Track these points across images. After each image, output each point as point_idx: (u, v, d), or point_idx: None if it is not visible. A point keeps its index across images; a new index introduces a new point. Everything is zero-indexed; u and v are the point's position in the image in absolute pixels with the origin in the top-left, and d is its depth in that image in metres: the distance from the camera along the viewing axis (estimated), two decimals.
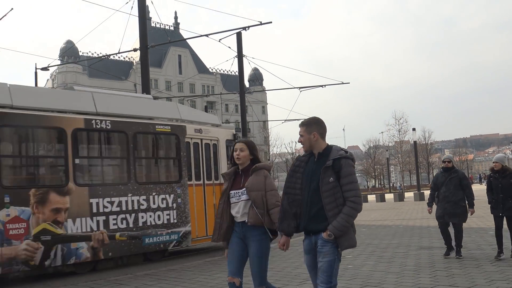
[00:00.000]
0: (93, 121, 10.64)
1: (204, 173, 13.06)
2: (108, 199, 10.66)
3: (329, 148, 4.31)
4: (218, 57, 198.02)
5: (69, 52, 68.91)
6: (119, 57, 75.66)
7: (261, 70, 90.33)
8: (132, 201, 11.11)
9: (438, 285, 7.00)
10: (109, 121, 10.90)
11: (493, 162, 9.19)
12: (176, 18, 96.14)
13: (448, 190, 9.30)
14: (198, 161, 12.90)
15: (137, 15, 16.32)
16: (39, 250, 9.45)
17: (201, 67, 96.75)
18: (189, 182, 12.49)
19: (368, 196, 50.39)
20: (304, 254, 4.33)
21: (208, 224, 12.84)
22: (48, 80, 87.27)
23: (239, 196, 4.91)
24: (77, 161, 10.38)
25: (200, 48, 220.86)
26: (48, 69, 31.24)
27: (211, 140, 13.39)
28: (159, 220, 11.59)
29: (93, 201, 10.40)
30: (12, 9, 25.56)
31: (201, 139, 13.06)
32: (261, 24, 18.49)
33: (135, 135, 11.38)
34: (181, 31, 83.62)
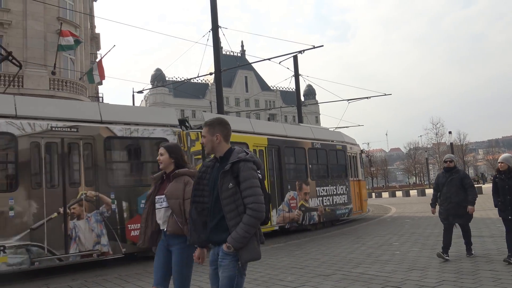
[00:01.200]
0: (314, 143, 15.67)
1: (354, 173, 17.91)
2: (323, 188, 15.46)
3: (230, 151, 3.37)
4: (277, 76, 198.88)
5: (158, 78, 71.53)
6: (197, 80, 77.60)
7: (314, 86, 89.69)
8: (331, 189, 15.88)
9: (479, 270, 6.62)
10: (320, 144, 15.88)
11: (499, 163, 7.34)
12: (242, 46, 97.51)
13: (450, 190, 7.74)
14: (351, 166, 17.65)
15: (212, 45, 16.66)
16: (300, 215, 14.30)
17: (263, 85, 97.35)
18: (350, 179, 17.29)
19: (410, 191, 48.88)
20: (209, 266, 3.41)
21: (361, 204, 18.10)
22: (142, 100, 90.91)
23: (161, 202, 4.06)
24: (310, 166, 15.10)
25: (263, 69, 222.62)
26: (142, 92, 32.59)
27: (355, 153, 18.28)
28: (340, 200, 16.36)
29: (318, 189, 15.27)
30: (114, 45, 26.94)
31: (351, 153, 17.78)
32: (314, 47, 18.35)
33: (330, 151, 16.25)
34: (246, 56, 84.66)
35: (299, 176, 14.83)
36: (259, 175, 3.27)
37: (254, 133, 13.47)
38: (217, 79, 16.99)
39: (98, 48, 45.17)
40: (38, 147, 9.09)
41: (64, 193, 9.16)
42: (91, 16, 38.04)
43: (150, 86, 67.03)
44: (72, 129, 9.52)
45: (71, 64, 27.67)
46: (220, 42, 18.33)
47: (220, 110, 16.57)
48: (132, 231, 9.87)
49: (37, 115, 9.27)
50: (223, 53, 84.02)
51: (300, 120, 25.63)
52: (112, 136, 10.09)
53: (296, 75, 23.78)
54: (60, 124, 9.43)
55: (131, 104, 33.53)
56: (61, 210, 9.05)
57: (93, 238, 9.30)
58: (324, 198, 15.49)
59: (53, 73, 25.48)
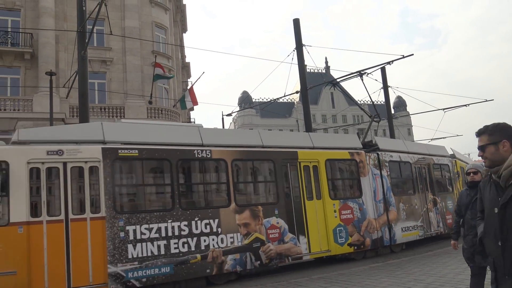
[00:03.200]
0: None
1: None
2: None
3: None
4: (364, 90, 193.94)
5: (245, 100, 73.72)
6: (283, 100, 78.56)
7: (404, 96, 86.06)
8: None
9: None
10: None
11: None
12: (326, 62, 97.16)
13: (475, 216, 4.45)
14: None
15: (297, 63, 16.81)
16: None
17: (350, 100, 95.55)
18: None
19: None
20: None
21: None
22: (230, 123, 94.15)
23: None
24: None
25: (349, 84, 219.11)
26: (231, 115, 33.62)
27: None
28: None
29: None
30: (203, 72, 28.36)
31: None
32: (403, 57, 17.64)
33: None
34: (331, 72, 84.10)
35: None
36: None
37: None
38: (304, 97, 17.04)
39: (189, 76, 47.89)
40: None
41: None
42: (181, 47, 40.59)
43: (238, 108, 69.20)
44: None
45: (165, 93, 29.63)
46: (304, 60, 18.40)
47: (308, 127, 16.55)
48: None
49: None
50: (308, 70, 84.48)
51: (392, 134, 24.65)
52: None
53: (385, 86, 23.05)
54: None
55: (221, 127, 34.77)
56: None
57: None
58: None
59: (150, 102, 27.49)
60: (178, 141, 9.99)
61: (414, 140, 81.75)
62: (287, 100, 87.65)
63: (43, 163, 8.48)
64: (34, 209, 8.25)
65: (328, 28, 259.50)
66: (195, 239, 9.52)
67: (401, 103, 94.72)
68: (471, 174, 5.36)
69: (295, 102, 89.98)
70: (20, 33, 25.71)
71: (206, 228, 9.71)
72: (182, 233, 9.38)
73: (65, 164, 8.63)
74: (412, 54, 16.89)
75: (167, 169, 9.69)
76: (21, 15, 26.25)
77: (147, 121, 27.15)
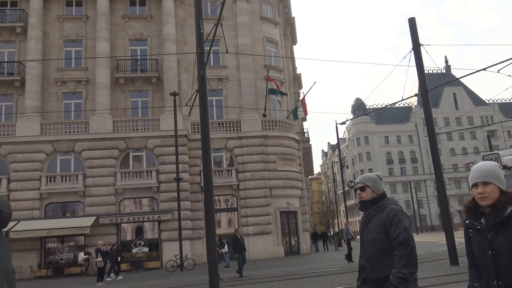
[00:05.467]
0: None
1: None
2: None
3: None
4: (493, 88, 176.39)
5: (359, 107, 71.87)
6: (399, 104, 74.82)
7: None
8: None
9: None
10: None
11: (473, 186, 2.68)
12: (446, 61, 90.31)
13: (365, 246, 3.45)
14: None
15: (415, 65, 15.87)
16: None
17: (476, 100, 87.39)
18: None
19: None
20: None
21: None
22: (344, 131, 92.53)
23: None
24: None
25: (473, 83, 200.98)
26: (345, 123, 33.01)
27: None
28: None
29: None
30: (315, 82, 28.31)
31: None
32: None
33: None
34: (452, 71, 78.03)
35: None
36: None
37: None
38: (424, 100, 15.97)
39: (300, 87, 48.28)
40: None
41: None
42: (292, 59, 41.16)
43: (352, 116, 67.67)
44: None
45: (278, 105, 30.21)
46: (422, 61, 17.30)
47: (431, 132, 15.43)
48: None
49: None
50: (426, 71, 79.31)
51: None
52: None
53: None
54: None
55: (335, 136, 34.21)
56: None
57: None
58: None
59: (264, 115, 28.27)
60: None
61: None
62: (404, 104, 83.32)
63: None
64: None
65: (447, 25, 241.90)
66: None
67: None
68: (359, 190, 3.53)
69: (413, 106, 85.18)
70: (148, 60, 28.45)
71: None
72: None
73: None
74: None
75: None
76: (147, 44, 29.07)
77: (263, 133, 27.90)
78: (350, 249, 19.22)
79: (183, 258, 22.26)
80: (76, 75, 27.96)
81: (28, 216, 24.67)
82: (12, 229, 23.01)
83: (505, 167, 13.26)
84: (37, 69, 26.87)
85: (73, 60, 28.29)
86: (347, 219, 35.00)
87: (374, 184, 3.42)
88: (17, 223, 23.73)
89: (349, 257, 19.02)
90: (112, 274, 20.54)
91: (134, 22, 29.24)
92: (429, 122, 15.73)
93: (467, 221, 2.60)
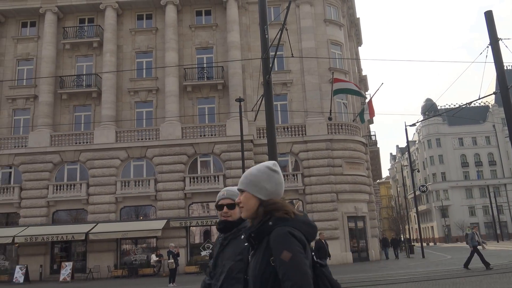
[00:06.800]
0: None
1: None
2: None
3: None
4: None
5: (429, 108, 68.60)
6: (474, 104, 70.45)
7: None
8: None
9: None
10: None
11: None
12: None
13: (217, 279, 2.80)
14: None
15: (493, 61, 14.82)
16: None
17: None
18: None
19: None
20: None
21: None
22: (414, 134, 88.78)
23: None
24: None
25: None
26: (415, 125, 31.69)
27: None
28: None
29: None
30: (382, 83, 27.41)
31: None
32: None
33: None
34: None
35: None
36: None
37: None
38: (504, 98, 14.85)
39: (366, 89, 47.08)
40: None
41: None
42: (357, 60, 40.27)
43: (422, 118, 64.80)
44: None
45: (344, 108, 29.63)
46: (501, 56, 16.14)
47: None
48: None
49: None
50: (505, 68, 74.12)
51: None
52: None
53: None
54: None
55: (404, 138, 32.94)
56: None
57: None
58: None
59: (330, 118, 27.76)
60: None
61: None
62: (479, 104, 78.37)
63: None
64: None
65: None
66: None
67: None
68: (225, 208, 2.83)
69: (490, 105, 79.81)
70: (213, 67, 29.15)
71: None
72: None
73: None
74: None
75: None
76: (213, 52, 29.82)
77: (328, 136, 27.49)
78: (471, 257, 17.10)
79: None
80: (147, 85, 29.31)
81: (105, 219, 26.14)
82: (91, 231, 24.51)
83: None
84: (112, 80, 28.53)
85: (144, 71, 29.71)
86: (470, 224, 33.41)
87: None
88: (96, 225, 25.25)
89: (467, 263, 17.05)
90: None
91: (200, 31, 30.14)
92: (510, 122, 14.60)
93: None
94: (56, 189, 26.71)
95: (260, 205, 2.13)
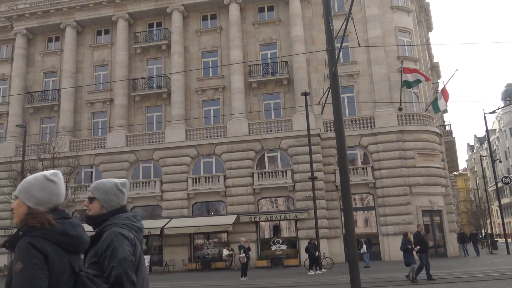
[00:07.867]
0: None
1: None
2: None
3: None
4: None
5: (511, 94, 63.71)
6: None
7: None
8: None
9: None
10: None
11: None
12: None
13: None
14: None
15: None
16: None
17: None
18: None
19: None
20: None
21: None
22: (494, 122, 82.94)
23: None
24: None
25: None
26: (495, 112, 29.65)
27: None
28: None
29: None
30: (457, 69, 25.93)
31: None
32: None
33: None
34: None
35: None
36: None
37: None
38: None
39: (439, 76, 44.74)
40: None
41: None
42: (428, 46, 38.32)
43: (502, 104, 60.45)
44: None
45: (415, 98, 28.36)
46: None
47: None
48: None
49: None
50: None
51: None
52: None
53: None
54: None
55: (484, 127, 30.93)
56: None
57: None
58: None
59: (400, 109, 26.77)
60: None
61: None
62: None
63: None
64: None
65: None
66: None
67: None
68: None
69: None
70: (278, 63, 29.17)
71: None
72: None
73: None
74: None
75: None
76: (277, 47, 29.84)
77: (399, 128, 26.47)
78: None
79: (321, 257, 22.25)
80: (213, 83, 30.02)
81: (178, 214, 27.21)
82: (166, 226, 25.65)
83: None
84: (180, 81, 29.57)
85: (210, 70, 30.45)
86: None
87: (105, 197, 2.57)
88: (170, 220, 26.38)
89: None
90: (315, 269, 20.29)
91: (263, 27, 30.28)
92: None
93: None
94: (132, 187, 28.21)
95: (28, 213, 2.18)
